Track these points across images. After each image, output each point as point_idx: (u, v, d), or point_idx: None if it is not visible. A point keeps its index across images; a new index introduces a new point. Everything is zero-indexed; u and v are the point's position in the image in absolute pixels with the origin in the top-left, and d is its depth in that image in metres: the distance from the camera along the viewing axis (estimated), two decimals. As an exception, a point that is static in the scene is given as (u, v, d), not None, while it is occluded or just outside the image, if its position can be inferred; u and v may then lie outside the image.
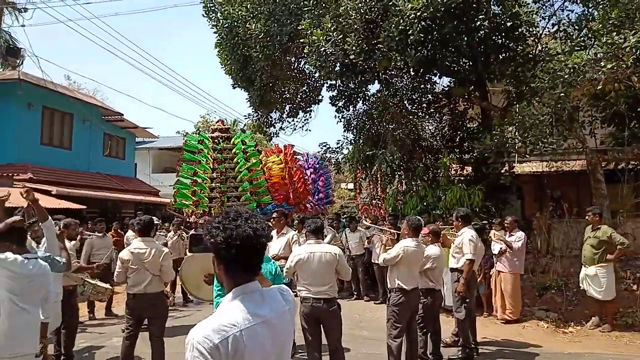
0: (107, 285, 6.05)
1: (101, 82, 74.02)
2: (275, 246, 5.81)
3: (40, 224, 4.26)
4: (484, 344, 6.13)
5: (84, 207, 12.00)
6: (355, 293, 9.81)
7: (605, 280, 6.68)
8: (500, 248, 7.17)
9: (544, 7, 10.25)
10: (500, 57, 10.37)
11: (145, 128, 21.49)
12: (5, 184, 11.73)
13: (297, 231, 6.75)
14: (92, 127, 17.12)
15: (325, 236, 5.32)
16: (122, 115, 18.35)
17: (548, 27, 10.45)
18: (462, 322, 5.64)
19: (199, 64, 72.82)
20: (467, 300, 5.69)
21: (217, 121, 11.67)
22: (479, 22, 9.99)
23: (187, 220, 11.67)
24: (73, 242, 5.59)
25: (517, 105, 9.51)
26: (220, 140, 10.66)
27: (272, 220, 6.18)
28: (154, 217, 7.10)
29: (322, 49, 8.83)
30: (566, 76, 7.85)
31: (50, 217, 4.30)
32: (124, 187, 17.71)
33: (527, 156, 10.58)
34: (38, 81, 14.03)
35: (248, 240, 1.57)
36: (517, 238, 7.28)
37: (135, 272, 4.68)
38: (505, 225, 7.45)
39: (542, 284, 8.21)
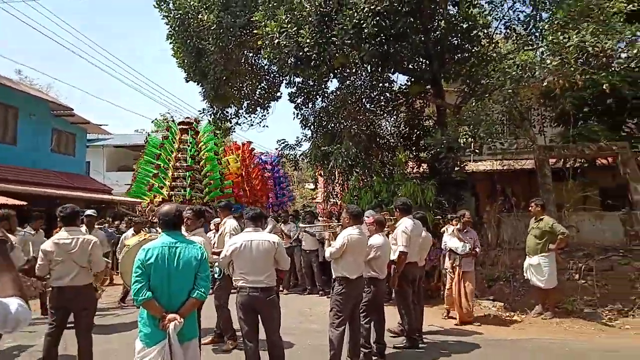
0: (39, 282, 5.70)
1: (55, 77, 71.07)
2: (213, 239, 5.62)
3: None
4: (430, 333, 6.15)
5: (25, 203, 11.34)
6: (309, 287, 9.71)
7: (547, 269, 6.85)
8: (470, 249, 6.76)
9: (496, 8, 10.50)
10: (456, 58, 10.54)
11: (99, 125, 20.69)
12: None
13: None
14: (39, 122, 16.28)
15: (266, 226, 5.15)
16: (72, 110, 17.55)
17: (500, 28, 10.72)
18: (405, 311, 5.62)
19: (158, 61, 71.25)
20: (405, 291, 5.67)
21: (185, 117, 11.45)
22: (436, 23, 10.13)
23: (143, 215, 11.33)
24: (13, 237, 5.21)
25: (470, 103, 9.68)
26: (191, 133, 10.45)
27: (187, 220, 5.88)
28: (90, 210, 6.79)
29: (276, 41, 8.70)
30: (514, 73, 8.06)
31: None
32: (74, 184, 16.93)
33: (477, 152, 10.78)
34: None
35: None
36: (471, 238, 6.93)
37: (60, 264, 4.38)
38: (465, 220, 6.96)
39: (490, 276, 8.37)
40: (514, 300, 7.61)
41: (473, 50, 10.28)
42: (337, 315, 4.70)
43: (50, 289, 4.51)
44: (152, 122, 11.08)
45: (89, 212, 7.07)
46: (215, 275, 5.43)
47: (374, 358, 5.10)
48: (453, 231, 6.86)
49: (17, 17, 57.57)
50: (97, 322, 6.38)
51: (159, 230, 3.71)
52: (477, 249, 6.97)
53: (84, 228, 5.91)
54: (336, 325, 4.67)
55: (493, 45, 10.39)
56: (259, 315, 4.33)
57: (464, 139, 8.96)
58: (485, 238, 9.84)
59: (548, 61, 7.74)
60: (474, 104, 9.17)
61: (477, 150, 10.46)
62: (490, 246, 9.68)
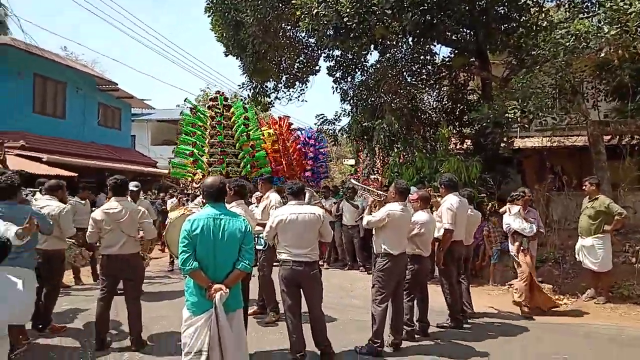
0: (86, 252, 5.93)
1: (100, 52, 73.08)
2: (256, 211, 5.61)
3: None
4: (476, 314, 5.97)
5: (75, 174, 11.81)
6: (349, 263, 9.69)
7: (601, 251, 6.48)
8: (537, 228, 6.21)
9: (549, -26, 9.82)
10: (503, 28, 9.99)
11: (143, 100, 21.17)
12: (-5, 150, 11.54)
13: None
14: (86, 96, 16.80)
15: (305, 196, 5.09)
16: (117, 84, 18.00)
17: (552, -5, 10.03)
18: (448, 290, 5.49)
19: (200, 38, 71.86)
20: (450, 269, 5.52)
21: (216, 92, 11.50)
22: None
23: (186, 189, 11.59)
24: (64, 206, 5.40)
25: (518, 76, 9.17)
26: (219, 110, 10.52)
27: (258, 184, 5.97)
28: (133, 182, 6.93)
29: (315, 11, 8.48)
30: (568, 44, 7.55)
31: None
32: (120, 157, 17.51)
33: (527, 127, 10.26)
34: (28, 47, 13.67)
35: None
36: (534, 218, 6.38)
37: (109, 232, 4.50)
38: (526, 198, 6.31)
39: (539, 257, 8.02)
40: (564, 283, 7.29)
41: (521, 20, 9.72)
42: (380, 292, 4.63)
43: (100, 256, 4.65)
44: (185, 100, 11.19)
45: (132, 184, 7.25)
46: (259, 247, 5.45)
47: (416, 336, 5.03)
48: (518, 211, 6.26)
49: (63, -6, 59.16)
50: (146, 290, 6.64)
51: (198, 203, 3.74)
52: (542, 229, 6.51)
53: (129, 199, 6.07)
54: (379, 301, 4.60)
55: (543, 13, 9.74)
56: (301, 289, 4.32)
57: (512, 114, 8.53)
58: (532, 217, 9.47)
59: (605, 30, 7.16)
60: (522, 76, 8.67)
61: (525, 126, 9.93)
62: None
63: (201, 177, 10.14)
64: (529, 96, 8.26)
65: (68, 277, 7.13)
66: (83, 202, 7.61)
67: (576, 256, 6.94)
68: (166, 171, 17.87)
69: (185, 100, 10.69)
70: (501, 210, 6.90)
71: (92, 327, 4.62)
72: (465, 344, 4.89)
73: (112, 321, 4.77)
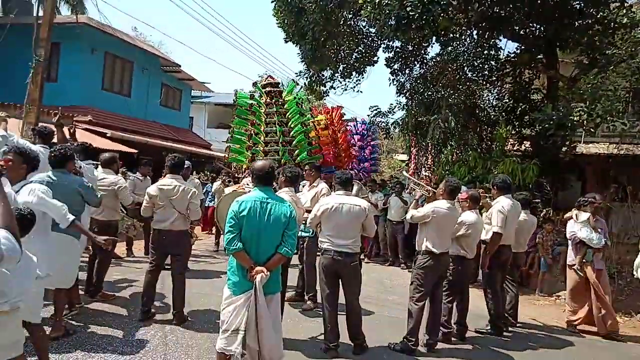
0: (138, 224, 6.23)
1: (166, 33, 75.79)
2: (304, 198, 5.66)
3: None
4: (519, 324, 5.76)
5: (135, 151, 12.43)
6: (391, 259, 9.61)
7: (664, 270, 6.01)
8: (605, 240, 5.67)
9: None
10: (576, 24, 9.39)
11: (203, 82, 21.85)
12: (66, 123, 12.32)
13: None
14: (151, 76, 17.58)
15: (353, 188, 5.08)
16: (180, 66, 18.67)
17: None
18: (491, 295, 5.33)
19: (261, 24, 72.89)
20: (495, 274, 5.34)
21: (267, 77, 11.55)
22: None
23: (236, 175, 11.84)
24: (119, 177, 5.73)
25: (589, 76, 8.62)
26: (273, 96, 10.60)
27: (304, 172, 6.02)
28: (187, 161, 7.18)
29: (378, 0, 8.34)
30: (649, 44, 7.00)
31: None
32: (178, 137, 18.22)
33: (593, 131, 9.65)
34: (101, 27, 14.45)
35: None
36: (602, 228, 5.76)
37: (161, 208, 4.72)
38: (596, 206, 5.71)
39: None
40: (617, 300, 6.87)
41: (598, 16, 9.09)
42: (418, 290, 4.57)
43: (152, 231, 4.88)
44: (253, 84, 11.36)
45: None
46: (305, 234, 5.51)
47: (453, 339, 4.93)
48: (587, 219, 5.65)
49: (137, -23, 61.69)
50: (192, 267, 6.93)
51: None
52: (608, 242, 5.90)
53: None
54: (416, 299, 4.55)
55: (624, 9, 9.05)
56: (340, 280, 4.35)
57: (578, 116, 8.06)
58: (590, 227, 8.94)
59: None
60: (593, 76, 8.13)
61: (591, 130, 9.35)
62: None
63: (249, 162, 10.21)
64: (598, 98, 7.77)
65: (120, 248, 7.55)
66: (141, 178, 7.99)
67: (634, 273, 6.46)
68: (220, 154, 18.40)
69: (254, 85, 10.73)
70: (566, 215, 6.29)
71: (139, 298, 4.88)
72: (502, 352, 4.75)
73: (157, 294, 5.01)
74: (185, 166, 7.25)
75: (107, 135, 12.74)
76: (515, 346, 4.93)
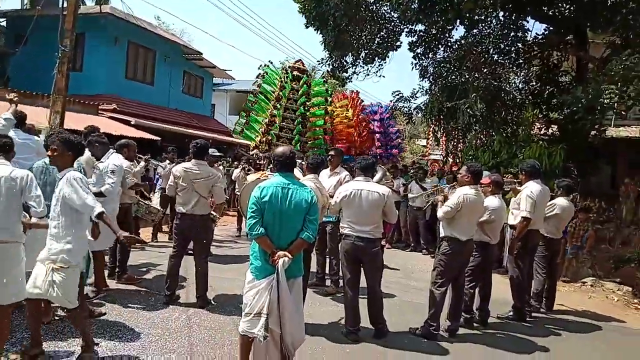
0: (159, 207, 6.33)
1: (187, 21, 76.00)
2: (326, 184, 5.65)
3: None
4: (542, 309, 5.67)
5: (158, 138, 12.62)
6: (412, 245, 9.57)
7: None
8: None
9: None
10: (609, 2, 8.99)
11: (224, 70, 21.92)
12: (90, 112, 12.62)
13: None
14: (173, 65, 17.74)
15: (376, 173, 5.03)
16: (202, 54, 18.76)
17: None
18: (516, 281, 5.25)
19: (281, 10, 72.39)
20: (522, 259, 5.25)
21: (297, 61, 11.32)
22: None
23: (257, 162, 11.84)
24: (131, 163, 5.78)
25: (621, 57, 8.28)
26: (297, 80, 10.45)
27: (328, 158, 6.00)
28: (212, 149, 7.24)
29: (400, -17, 8.17)
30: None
31: None
32: (200, 124, 18.40)
33: (624, 114, 9.31)
34: (125, 16, 14.61)
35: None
36: None
37: (184, 190, 4.79)
38: None
39: (621, 256, 7.42)
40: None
41: (634, -6, 8.67)
42: (440, 275, 4.53)
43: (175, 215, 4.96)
44: (259, 67, 11.10)
45: (211, 150, 7.58)
46: (328, 219, 5.52)
47: (475, 325, 4.90)
48: None
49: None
50: (214, 252, 7.03)
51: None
52: None
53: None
54: (438, 285, 4.52)
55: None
56: (361, 265, 4.35)
57: (609, 98, 7.77)
58: (619, 213, 8.71)
59: None
60: (626, 57, 7.81)
61: (622, 112, 9.02)
62: (623, 223, 8.55)
63: (267, 147, 10.09)
64: (630, 80, 7.48)
65: (145, 233, 7.71)
66: (163, 164, 8.13)
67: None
68: (242, 141, 18.46)
69: (268, 64, 10.47)
70: None
71: (163, 281, 4.98)
72: (525, 338, 4.70)
73: (181, 278, 5.12)
74: (217, 154, 7.27)
75: (132, 123, 12.96)
76: (537, 332, 4.87)
